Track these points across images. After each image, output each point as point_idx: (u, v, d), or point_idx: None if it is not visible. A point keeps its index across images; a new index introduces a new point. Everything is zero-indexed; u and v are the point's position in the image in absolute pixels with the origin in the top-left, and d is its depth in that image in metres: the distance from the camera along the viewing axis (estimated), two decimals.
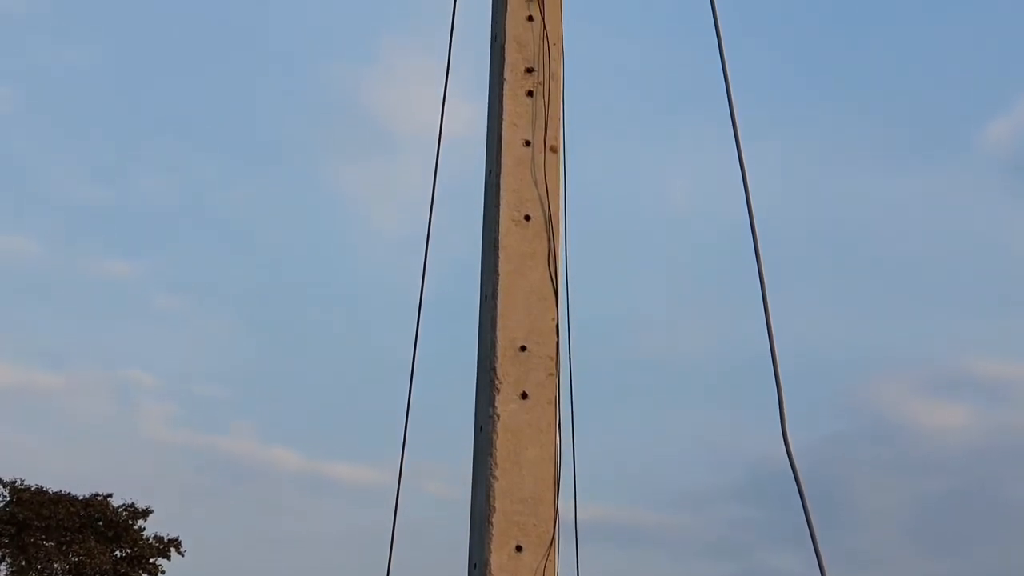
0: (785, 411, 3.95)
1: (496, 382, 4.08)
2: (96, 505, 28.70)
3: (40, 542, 27.93)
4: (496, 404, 4.06)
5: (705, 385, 49.05)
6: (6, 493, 28.33)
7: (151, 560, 29.00)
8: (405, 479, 4.96)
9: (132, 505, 29.22)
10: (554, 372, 4.14)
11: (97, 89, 57.56)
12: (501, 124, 4.40)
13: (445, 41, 5.18)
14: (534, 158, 4.37)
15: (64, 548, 28.03)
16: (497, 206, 4.29)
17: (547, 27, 4.53)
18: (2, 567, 27.87)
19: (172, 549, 29.16)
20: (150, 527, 29.39)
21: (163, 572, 29.06)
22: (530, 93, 4.45)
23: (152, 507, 29.51)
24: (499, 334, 4.14)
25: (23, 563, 27.63)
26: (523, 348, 4.14)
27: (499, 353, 4.12)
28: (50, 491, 28.42)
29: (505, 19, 4.54)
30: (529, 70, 4.48)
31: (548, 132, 4.41)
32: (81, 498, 28.67)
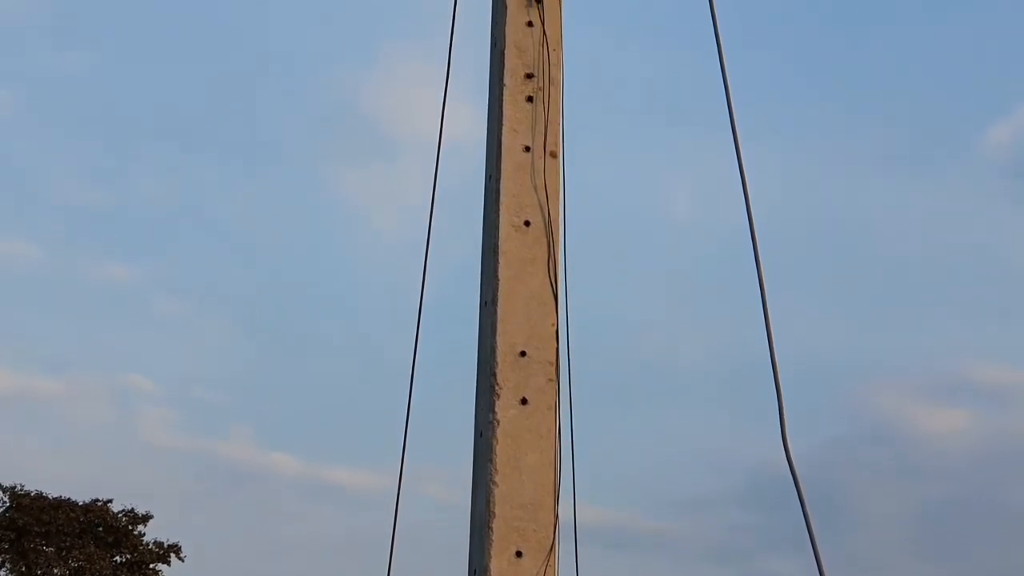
0: (785, 416, 3.95)
1: (496, 387, 4.08)
2: (96, 511, 28.69)
3: (40, 548, 27.92)
4: (496, 409, 4.06)
5: (705, 390, 49.06)
6: (6, 499, 28.33)
7: (151, 565, 28.99)
8: (405, 483, 4.97)
9: (132, 510, 29.22)
10: (554, 378, 4.14)
11: (97, 92, 57.63)
12: (501, 129, 4.40)
13: (445, 46, 5.19)
14: (534, 164, 4.37)
15: (64, 554, 28.02)
16: (497, 211, 4.30)
17: (547, 33, 4.53)
18: (2, 572, 27.88)
19: (172, 554, 29.17)
20: (150, 532, 29.44)
21: None
22: (530, 99, 4.46)
23: (152, 512, 29.56)
24: (499, 339, 4.14)
25: (23, 569, 27.62)
26: (523, 353, 4.14)
27: (499, 358, 4.12)
28: (50, 497, 28.42)
29: (505, 24, 4.55)
30: (529, 76, 4.49)
31: (548, 138, 4.41)
32: (81, 504, 28.66)
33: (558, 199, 4.38)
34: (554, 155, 4.41)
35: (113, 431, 47.50)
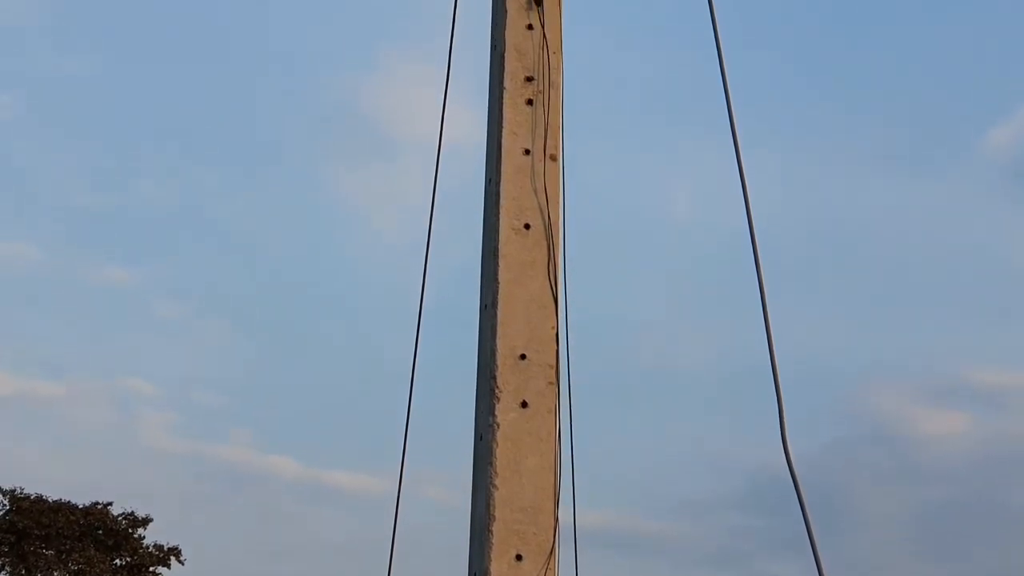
0: (785, 419, 3.95)
1: (496, 391, 4.08)
2: (96, 514, 28.68)
3: (40, 551, 27.91)
4: (496, 413, 4.06)
5: (705, 393, 49.05)
6: (6, 502, 28.33)
7: (151, 568, 28.97)
8: (405, 486, 4.97)
9: (132, 513, 29.21)
10: (554, 381, 4.14)
11: (97, 94, 57.66)
12: (501, 132, 4.40)
13: (445, 48, 5.20)
14: (534, 167, 4.37)
15: (64, 557, 28.01)
16: (497, 214, 4.30)
17: (547, 36, 4.54)
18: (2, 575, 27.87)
19: (172, 557, 29.15)
20: (150, 535, 29.42)
21: None
22: (530, 102, 4.46)
23: (152, 515, 29.54)
24: (499, 342, 4.14)
25: (23, 572, 27.61)
26: (523, 357, 4.14)
27: (499, 361, 4.12)
28: (50, 500, 28.40)
29: (505, 28, 4.55)
30: (529, 79, 4.49)
31: (548, 141, 4.41)
32: (81, 507, 28.65)
33: (558, 202, 4.38)
34: (554, 158, 4.41)
35: (113, 434, 47.53)
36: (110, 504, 29.10)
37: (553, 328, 4.20)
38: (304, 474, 49.46)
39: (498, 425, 4.04)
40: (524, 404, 4.08)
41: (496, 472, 3.98)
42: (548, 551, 3.94)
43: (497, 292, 4.19)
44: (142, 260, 57.71)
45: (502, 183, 4.33)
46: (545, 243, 4.29)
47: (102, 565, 28.11)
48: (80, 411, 47.97)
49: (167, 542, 29.31)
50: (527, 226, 4.30)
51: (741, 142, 4.34)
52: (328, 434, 50.47)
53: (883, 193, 53.75)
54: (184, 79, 58.72)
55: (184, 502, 43.79)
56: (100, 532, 28.63)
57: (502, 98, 4.45)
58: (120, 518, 29.02)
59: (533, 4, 4.58)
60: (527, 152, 4.39)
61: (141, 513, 29.33)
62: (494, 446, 4.02)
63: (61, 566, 27.94)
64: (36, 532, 27.69)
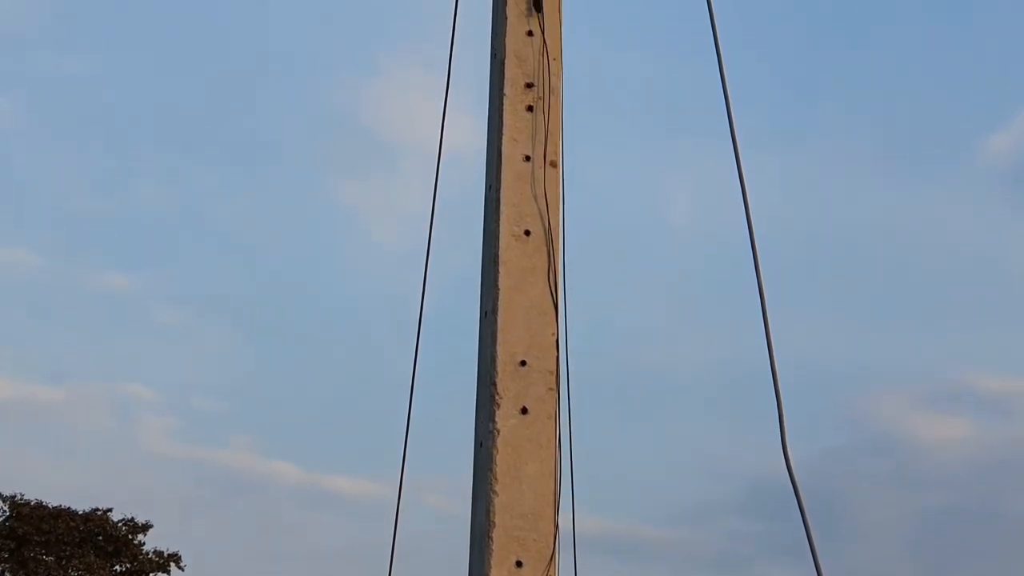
0: (785, 425, 3.95)
1: (496, 397, 4.08)
2: (96, 520, 28.66)
3: (40, 557, 27.88)
4: (496, 419, 4.06)
5: (705, 399, 49.02)
6: (6, 508, 28.31)
7: (151, 575, 28.95)
8: (405, 493, 4.97)
9: (132, 520, 29.20)
10: (554, 387, 4.14)
11: (97, 100, 57.71)
12: (501, 139, 4.40)
13: (445, 55, 5.20)
14: (534, 173, 4.38)
15: (64, 563, 27.98)
16: (497, 221, 4.30)
17: (547, 42, 4.54)
18: None
19: (172, 564, 29.13)
20: (150, 542, 29.39)
21: None
22: (530, 108, 4.46)
23: (152, 521, 29.51)
24: (499, 349, 4.14)
25: None
26: (523, 363, 4.14)
27: (499, 368, 4.12)
28: (50, 506, 28.39)
29: (505, 34, 4.55)
30: (529, 85, 4.49)
31: (548, 147, 4.42)
32: (81, 513, 28.63)
33: (558, 208, 4.39)
34: (554, 164, 4.42)
35: (113, 440, 47.49)
36: (110, 510, 29.10)
37: (553, 334, 4.20)
38: (304, 480, 49.48)
39: (498, 431, 4.04)
40: (524, 410, 4.08)
41: (496, 478, 3.98)
42: (548, 557, 3.94)
43: (497, 298, 4.20)
44: (142, 266, 57.67)
45: (502, 189, 4.34)
46: (545, 249, 4.29)
47: (102, 571, 28.08)
48: (80, 417, 47.98)
49: (167, 548, 29.32)
50: (527, 232, 4.30)
51: (741, 147, 4.34)
52: (328, 440, 50.50)
53: (883, 198, 53.78)
54: (184, 82, 58.79)
55: (184, 508, 43.78)
56: (100, 538, 28.61)
57: (502, 104, 4.45)
58: (120, 524, 29.00)
59: (533, 10, 4.59)
60: (527, 158, 4.39)
61: (141, 519, 29.34)
62: (494, 452, 4.02)
63: (61, 572, 27.90)
64: (36, 538, 27.67)
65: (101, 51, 58.86)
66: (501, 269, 4.24)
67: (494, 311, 4.19)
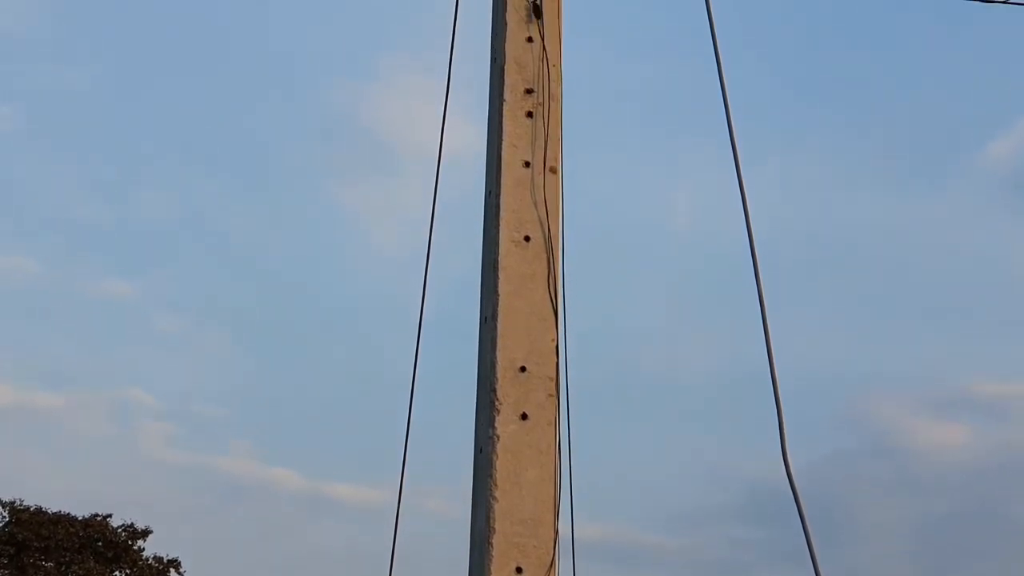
0: (785, 431, 3.95)
1: (496, 403, 4.08)
2: (96, 525, 28.64)
3: (39, 563, 27.87)
4: (496, 425, 4.06)
5: (705, 404, 49.01)
6: (5, 514, 28.29)
7: None
8: (405, 499, 4.97)
9: (132, 525, 29.17)
10: (554, 393, 4.14)
11: (97, 108, 57.69)
12: (501, 145, 4.41)
13: (445, 60, 5.21)
14: (534, 179, 4.38)
15: (63, 569, 27.96)
16: (497, 227, 4.30)
17: (547, 48, 4.54)
18: None
19: (172, 570, 29.10)
20: (150, 547, 29.37)
21: None
22: (530, 114, 4.46)
23: (152, 527, 29.49)
24: (499, 355, 4.14)
25: None
26: (523, 369, 4.14)
27: (499, 374, 4.12)
28: (49, 511, 28.37)
29: (505, 40, 4.56)
30: (529, 91, 4.50)
31: (548, 153, 4.42)
32: (80, 518, 28.61)
33: (558, 214, 4.39)
34: (554, 170, 4.42)
35: (113, 445, 47.45)
36: (110, 516, 29.08)
37: (553, 340, 4.20)
38: (304, 486, 49.43)
39: (498, 437, 4.04)
40: (524, 416, 4.08)
41: (496, 484, 3.98)
42: (548, 564, 3.94)
43: (497, 304, 4.20)
44: (142, 272, 57.67)
45: (502, 195, 4.34)
46: (545, 255, 4.30)
47: None
48: (80, 422, 47.94)
49: (167, 554, 29.30)
50: (527, 238, 4.30)
51: (740, 151, 4.35)
52: (328, 445, 50.44)
53: (883, 201, 53.81)
54: (183, 87, 58.83)
55: (184, 514, 43.74)
56: (100, 544, 28.59)
57: (502, 110, 4.46)
58: (120, 530, 28.98)
59: (533, 16, 4.59)
60: (527, 164, 4.40)
61: (141, 525, 29.32)
62: (494, 458, 4.01)
63: None
64: (36, 544, 27.65)
65: (100, 57, 58.89)
66: (501, 275, 4.24)
67: (494, 317, 4.19)
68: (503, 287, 4.22)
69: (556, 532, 3.98)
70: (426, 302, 5.07)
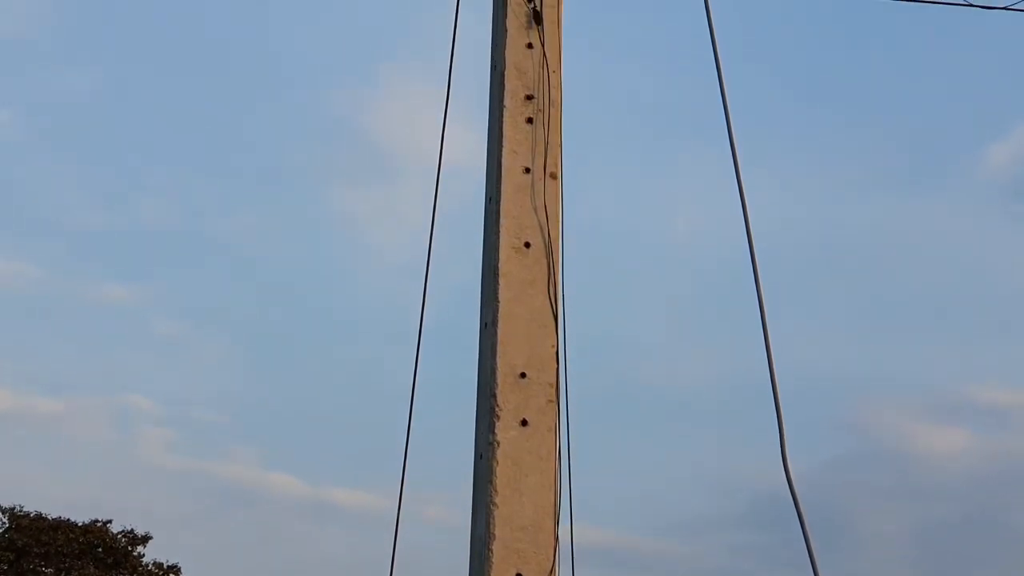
0: (785, 437, 3.95)
1: (496, 409, 4.08)
2: (95, 531, 28.63)
3: (39, 569, 27.84)
4: (496, 431, 4.05)
5: (705, 411, 49.00)
6: (5, 519, 28.27)
7: None
8: (405, 505, 4.96)
9: (132, 531, 29.17)
10: (554, 399, 4.14)
11: (98, 113, 57.75)
12: (501, 151, 4.41)
13: (446, 67, 5.21)
14: (534, 185, 4.38)
15: (63, 575, 27.94)
16: (497, 233, 4.30)
17: (547, 55, 4.55)
18: None
19: (171, 575, 29.09)
20: (150, 553, 29.35)
21: None
22: (530, 120, 4.47)
23: (152, 533, 29.48)
24: (499, 361, 4.14)
25: None
26: (523, 375, 4.14)
27: (499, 380, 4.12)
28: (49, 517, 28.36)
29: (505, 46, 4.56)
30: (529, 97, 4.50)
31: (548, 159, 4.42)
32: (80, 524, 28.59)
33: (558, 220, 4.39)
34: (554, 176, 4.42)
35: (113, 451, 47.42)
36: (109, 522, 29.07)
37: (553, 347, 4.20)
38: (304, 492, 49.39)
39: (498, 444, 4.04)
40: (524, 423, 4.08)
41: (496, 491, 3.98)
42: (548, 570, 3.93)
43: (497, 311, 4.20)
44: (142, 278, 57.65)
45: (502, 202, 4.34)
46: (545, 262, 4.30)
47: None
48: (80, 428, 47.92)
49: (167, 560, 29.29)
50: (527, 245, 4.30)
51: (741, 159, 4.35)
52: (328, 451, 50.44)
53: (882, 209, 53.83)
54: (184, 94, 58.84)
55: (184, 520, 43.72)
56: (100, 550, 28.57)
57: (502, 117, 4.46)
58: (120, 536, 28.97)
59: (533, 23, 4.60)
60: (527, 171, 4.40)
61: (141, 531, 29.31)
62: (494, 465, 4.01)
63: None
64: (35, 550, 27.63)
65: (101, 63, 58.95)
66: (501, 281, 4.24)
67: (494, 323, 4.19)
68: (503, 293, 4.22)
69: (556, 538, 3.98)
70: (426, 308, 5.07)
